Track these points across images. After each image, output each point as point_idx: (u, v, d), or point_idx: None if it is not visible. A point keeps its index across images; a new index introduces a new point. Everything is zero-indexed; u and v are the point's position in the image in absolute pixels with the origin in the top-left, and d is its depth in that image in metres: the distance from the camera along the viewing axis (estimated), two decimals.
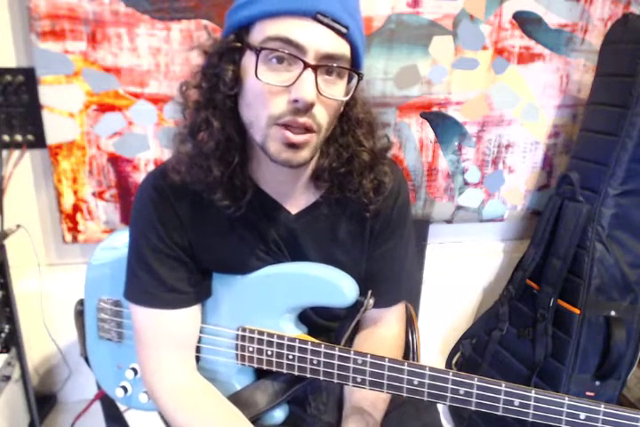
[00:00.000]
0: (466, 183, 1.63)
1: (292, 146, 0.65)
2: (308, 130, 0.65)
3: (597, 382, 1.33)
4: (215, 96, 0.68)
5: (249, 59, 0.65)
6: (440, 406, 1.66)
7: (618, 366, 1.31)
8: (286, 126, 0.64)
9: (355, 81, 0.69)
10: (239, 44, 0.66)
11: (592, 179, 1.37)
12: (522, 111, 1.58)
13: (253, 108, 0.66)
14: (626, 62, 1.31)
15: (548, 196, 1.50)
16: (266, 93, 0.64)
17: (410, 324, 1.04)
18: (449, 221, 1.66)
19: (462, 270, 1.73)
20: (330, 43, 0.63)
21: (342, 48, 0.65)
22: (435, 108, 1.51)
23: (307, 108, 0.62)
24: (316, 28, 0.62)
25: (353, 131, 0.75)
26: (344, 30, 0.63)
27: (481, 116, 1.55)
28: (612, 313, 1.32)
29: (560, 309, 1.37)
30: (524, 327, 1.44)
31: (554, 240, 1.41)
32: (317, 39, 0.62)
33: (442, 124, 1.53)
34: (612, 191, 1.33)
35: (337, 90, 0.66)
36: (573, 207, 1.37)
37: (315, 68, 0.62)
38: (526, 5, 1.47)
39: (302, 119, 0.63)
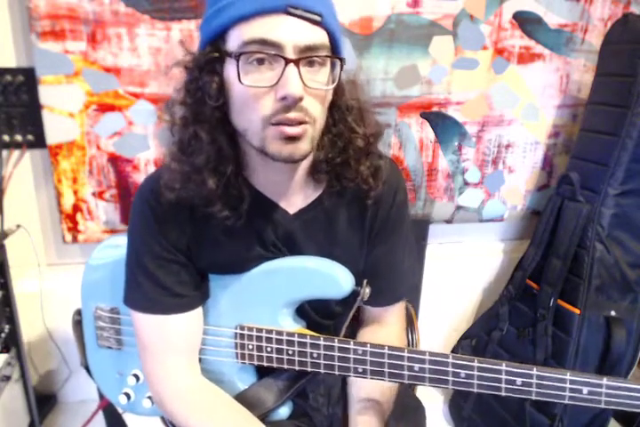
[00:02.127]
0: (466, 183, 1.63)
1: (291, 139, 0.65)
2: (301, 123, 0.65)
3: None
4: (202, 110, 0.67)
5: (230, 67, 0.65)
6: (440, 407, 1.66)
7: (618, 366, 1.31)
8: (281, 123, 0.64)
9: (338, 67, 0.68)
10: (217, 54, 0.65)
11: (592, 179, 1.37)
12: (522, 111, 1.58)
13: (245, 114, 0.66)
14: (626, 62, 1.31)
15: (548, 196, 1.50)
16: (253, 97, 0.64)
17: (410, 324, 1.04)
18: (449, 221, 1.66)
19: (462, 270, 1.73)
20: (306, 34, 0.62)
21: (320, 37, 0.64)
22: (435, 108, 1.51)
23: (296, 103, 0.63)
24: (290, 21, 0.61)
25: (344, 119, 0.74)
26: (318, 18, 0.62)
27: (481, 116, 1.55)
28: (612, 313, 1.32)
29: (560, 309, 1.37)
30: (524, 327, 1.44)
31: (554, 240, 1.41)
32: (293, 33, 0.61)
33: (442, 124, 1.53)
34: (612, 191, 1.33)
35: (321, 79, 0.66)
36: (573, 207, 1.37)
37: (296, 62, 0.62)
38: (526, 5, 1.47)
39: (294, 115, 0.63)
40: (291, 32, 0.61)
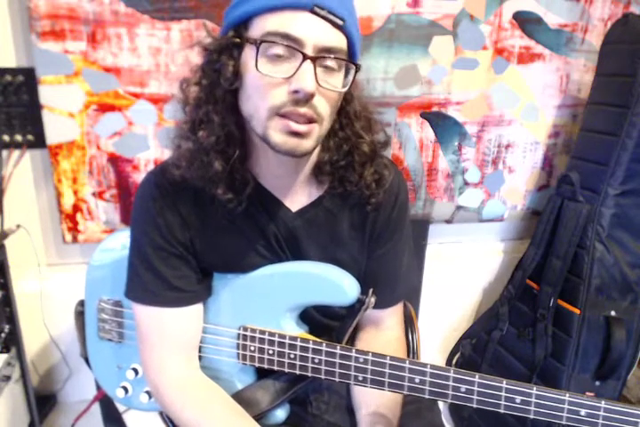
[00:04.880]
0: (466, 183, 1.63)
1: (296, 134, 0.66)
2: (309, 120, 0.66)
3: (597, 382, 1.33)
4: (216, 91, 0.69)
5: (248, 53, 0.67)
6: (441, 406, 1.66)
7: (618, 366, 1.31)
8: (287, 116, 0.65)
9: (352, 73, 0.70)
10: (238, 40, 0.67)
11: (592, 179, 1.37)
12: (522, 111, 1.58)
13: (253, 101, 0.67)
14: (626, 62, 1.31)
15: (547, 196, 1.50)
16: (266, 85, 0.65)
17: (410, 324, 1.04)
18: (449, 221, 1.66)
19: (462, 270, 1.73)
20: (327, 35, 0.65)
21: (339, 40, 0.66)
22: (435, 108, 1.51)
23: (307, 99, 0.64)
24: (314, 20, 0.63)
25: (352, 125, 0.76)
26: (340, 22, 0.65)
27: (481, 116, 1.55)
28: (612, 313, 1.32)
29: (560, 309, 1.37)
30: (524, 327, 1.44)
31: (554, 240, 1.41)
32: (315, 32, 0.64)
33: (442, 124, 1.53)
34: (612, 191, 1.33)
35: (335, 81, 0.68)
36: (573, 207, 1.37)
37: (313, 60, 0.63)
38: (526, 5, 1.47)
39: (303, 110, 0.65)
40: (313, 31, 0.63)
